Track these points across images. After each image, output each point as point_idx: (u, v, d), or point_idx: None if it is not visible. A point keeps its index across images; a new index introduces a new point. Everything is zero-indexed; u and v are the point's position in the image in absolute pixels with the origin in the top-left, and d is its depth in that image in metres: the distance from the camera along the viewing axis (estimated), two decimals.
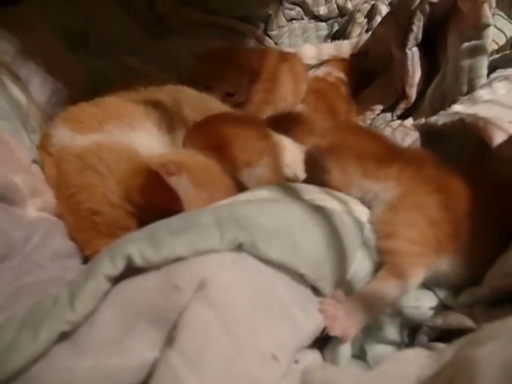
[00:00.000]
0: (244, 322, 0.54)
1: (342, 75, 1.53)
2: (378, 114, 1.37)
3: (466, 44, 1.09)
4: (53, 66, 1.13)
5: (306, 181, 0.88)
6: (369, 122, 1.39)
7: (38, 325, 0.52)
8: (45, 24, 1.21)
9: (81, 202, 0.78)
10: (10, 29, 1.05)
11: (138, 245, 0.55)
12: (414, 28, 1.21)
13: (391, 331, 0.68)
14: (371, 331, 0.67)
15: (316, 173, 0.83)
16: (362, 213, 0.74)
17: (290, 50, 1.64)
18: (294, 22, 2.02)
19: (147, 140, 0.88)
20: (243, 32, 1.89)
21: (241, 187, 0.86)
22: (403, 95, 1.30)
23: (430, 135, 0.90)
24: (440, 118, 0.85)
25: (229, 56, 1.36)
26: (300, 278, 0.62)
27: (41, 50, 1.12)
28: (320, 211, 0.67)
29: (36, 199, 0.77)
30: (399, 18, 1.27)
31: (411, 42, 1.23)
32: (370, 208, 0.78)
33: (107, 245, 0.59)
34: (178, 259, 0.55)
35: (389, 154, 0.80)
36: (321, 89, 1.49)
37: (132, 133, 0.87)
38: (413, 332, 0.70)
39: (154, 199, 0.73)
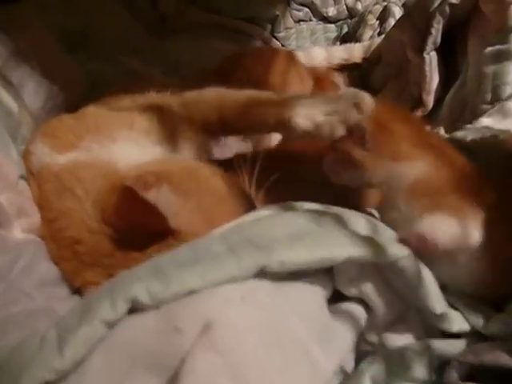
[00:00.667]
0: (256, 369, 0.47)
1: None
2: None
3: (490, 49, 1.02)
4: (48, 68, 1.07)
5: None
6: None
7: (21, 370, 0.46)
8: (42, 24, 1.15)
9: (62, 229, 0.71)
10: (3, 29, 0.98)
11: (143, 283, 0.49)
12: (433, 31, 1.14)
13: (419, 369, 0.61)
14: (398, 371, 0.60)
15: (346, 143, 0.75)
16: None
17: (298, 52, 1.57)
18: (301, 23, 1.96)
19: (132, 151, 0.80)
20: (249, 33, 1.83)
21: (236, 189, 0.78)
22: (419, 102, 1.22)
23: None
24: (468, 133, 0.77)
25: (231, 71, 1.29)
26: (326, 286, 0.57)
27: (36, 51, 1.06)
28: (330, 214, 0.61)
29: (22, 220, 0.70)
30: (416, 21, 1.19)
31: (429, 46, 1.15)
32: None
33: (95, 276, 0.53)
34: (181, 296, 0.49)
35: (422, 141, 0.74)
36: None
37: (112, 145, 0.78)
38: (442, 367, 0.63)
39: (132, 218, 0.66)
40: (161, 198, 0.63)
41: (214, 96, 0.88)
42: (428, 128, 0.80)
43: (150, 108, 0.86)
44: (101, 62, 1.36)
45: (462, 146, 0.74)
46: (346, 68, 1.55)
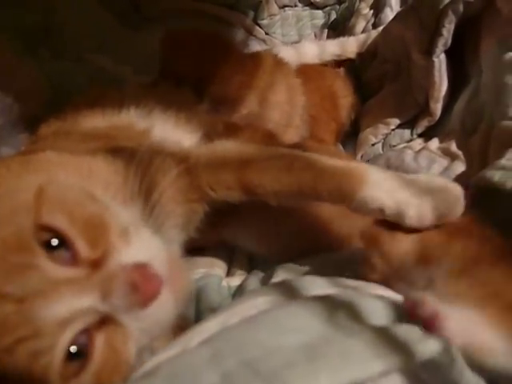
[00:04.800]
0: None
1: None
2: (393, 129, 1.16)
3: (511, 55, 0.89)
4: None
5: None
6: (381, 137, 1.17)
7: None
8: None
9: None
10: None
11: None
12: (444, 32, 0.99)
13: None
14: None
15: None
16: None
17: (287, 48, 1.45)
18: (286, 9, 1.79)
19: None
20: (230, 21, 1.68)
21: None
22: (425, 109, 1.09)
23: (488, 196, 0.65)
24: (507, 177, 0.61)
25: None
26: None
27: None
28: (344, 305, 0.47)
29: None
30: (423, 18, 1.05)
31: (439, 48, 1.01)
32: None
33: None
34: None
35: None
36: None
37: None
38: None
39: None
40: None
41: (232, 151, 0.72)
42: None
43: (119, 152, 0.67)
44: (65, 61, 1.21)
45: (500, 194, 0.60)
46: (337, 64, 1.41)
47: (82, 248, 0.50)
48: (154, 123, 0.84)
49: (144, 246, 0.54)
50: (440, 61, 1.03)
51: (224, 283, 0.81)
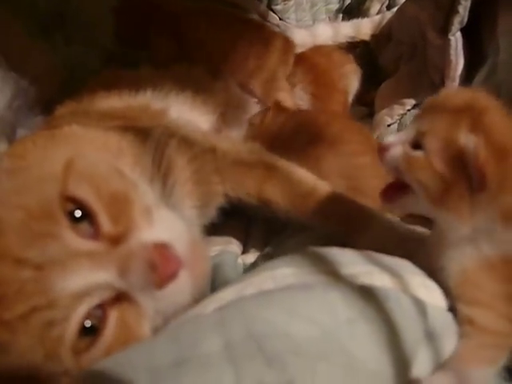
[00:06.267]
0: None
1: None
2: (408, 110, 1.15)
3: None
4: (14, 58, 0.92)
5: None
6: (397, 118, 1.16)
7: None
8: (3, 5, 0.99)
9: None
10: None
11: None
12: (460, 9, 0.97)
13: None
14: None
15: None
16: (421, 287, 0.53)
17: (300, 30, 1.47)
18: None
19: None
20: (244, 7, 1.65)
21: None
22: (441, 89, 1.07)
23: None
24: None
25: None
26: None
27: None
28: (371, 297, 0.47)
29: None
30: None
31: (455, 26, 0.99)
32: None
33: None
34: None
35: None
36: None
37: None
38: None
39: None
40: None
41: (258, 160, 0.78)
42: None
43: (143, 133, 0.68)
44: (78, 46, 1.21)
45: None
46: (352, 46, 1.40)
47: (105, 222, 0.51)
48: (171, 104, 0.85)
49: (166, 226, 0.55)
50: (456, 39, 1.01)
51: (239, 260, 0.81)
